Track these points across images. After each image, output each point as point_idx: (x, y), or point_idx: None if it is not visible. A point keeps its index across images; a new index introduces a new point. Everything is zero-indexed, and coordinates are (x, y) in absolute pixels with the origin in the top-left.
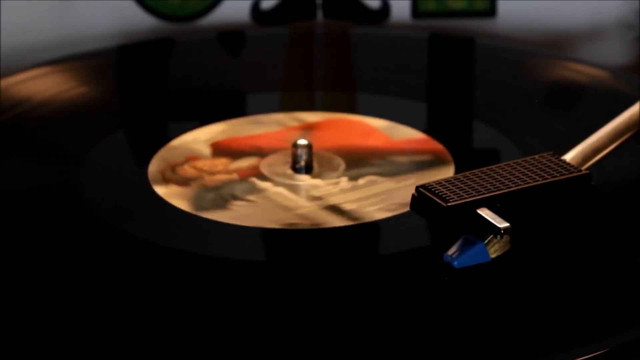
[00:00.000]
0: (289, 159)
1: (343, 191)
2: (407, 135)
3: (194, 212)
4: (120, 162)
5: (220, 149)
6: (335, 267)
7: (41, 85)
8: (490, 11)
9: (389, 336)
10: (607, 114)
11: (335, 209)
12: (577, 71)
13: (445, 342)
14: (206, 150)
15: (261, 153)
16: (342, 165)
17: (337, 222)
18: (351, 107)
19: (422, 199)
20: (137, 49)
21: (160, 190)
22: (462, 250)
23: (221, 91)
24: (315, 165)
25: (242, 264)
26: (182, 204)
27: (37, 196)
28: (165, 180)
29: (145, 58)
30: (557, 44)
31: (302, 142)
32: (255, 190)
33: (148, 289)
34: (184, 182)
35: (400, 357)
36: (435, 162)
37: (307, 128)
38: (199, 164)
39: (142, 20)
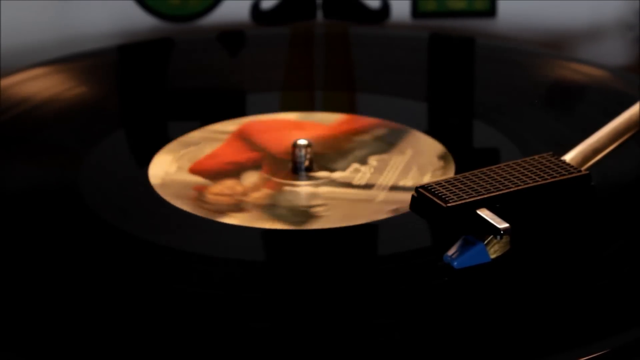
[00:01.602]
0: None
1: (377, 172)
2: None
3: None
4: (120, 162)
5: (202, 172)
6: (335, 267)
7: (41, 85)
8: (490, 11)
9: (389, 336)
10: (607, 114)
11: (400, 188)
12: (577, 71)
13: (446, 342)
14: (191, 178)
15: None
16: (338, 157)
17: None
18: (351, 107)
19: (422, 199)
20: (137, 49)
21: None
22: (462, 250)
23: (221, 91)
24: (314, 164)
25: (242, 264)
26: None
27: (37, 196)
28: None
29: (145, 58)
30: (557, 44)
31: (302, 142)
32: (317, 196)
33: (148, 289)
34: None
35: (400, 357)
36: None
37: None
38: (218, 189)
39: (142, 20)
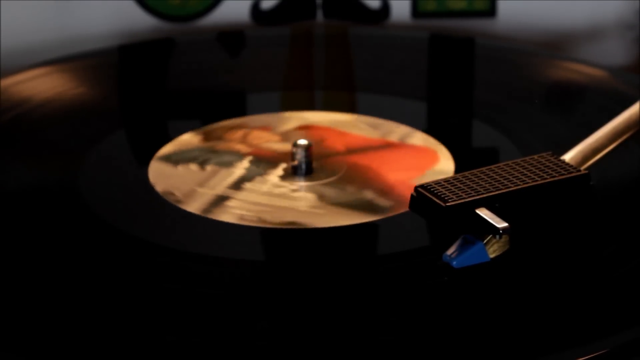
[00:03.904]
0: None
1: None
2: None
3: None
4: (120, 161)
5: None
6: (335, 267)
7: (41, 85)
8: (490, 11)
9: (389, 336)
10: (607, 114)
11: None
12: (577, 71)
13: (446, 342)
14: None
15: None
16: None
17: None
18: (351, 107)
19: (421, 199)
20: (137, 49)
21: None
22: (461, 250)
23: (221, 91)
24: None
25: (242, 264)
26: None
27: (37, 196)
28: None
29: (145, 58)
30: (557, 44)
31: (302, 142)
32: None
33: (148, 289)
34: None
35: (400, 357)
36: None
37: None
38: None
39: (142, 20)
